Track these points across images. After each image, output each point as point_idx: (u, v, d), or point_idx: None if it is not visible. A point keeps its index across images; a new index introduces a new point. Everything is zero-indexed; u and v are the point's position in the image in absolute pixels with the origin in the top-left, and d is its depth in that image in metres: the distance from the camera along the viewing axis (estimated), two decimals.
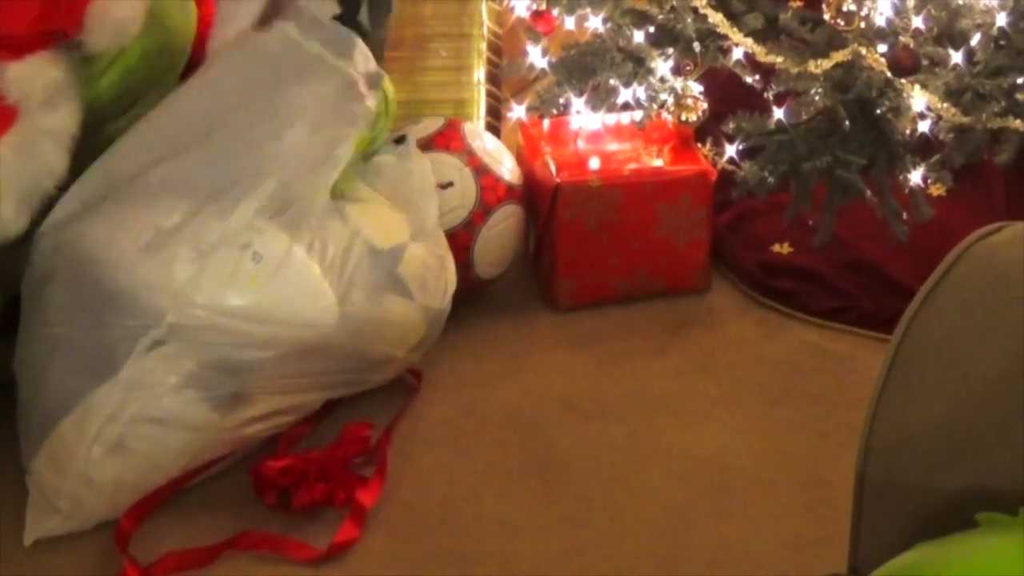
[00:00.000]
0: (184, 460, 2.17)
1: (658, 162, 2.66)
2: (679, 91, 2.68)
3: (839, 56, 2.58)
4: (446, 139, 2.57)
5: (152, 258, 2.10)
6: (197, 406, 2.14)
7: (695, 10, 2.67)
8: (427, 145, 2.54)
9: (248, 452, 2.23)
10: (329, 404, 2.34)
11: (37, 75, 2.13)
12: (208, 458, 2.20)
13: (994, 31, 2.63)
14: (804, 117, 2.60)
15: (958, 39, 2.66)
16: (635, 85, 2.71)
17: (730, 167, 2.71)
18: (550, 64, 2.78)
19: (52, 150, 2.14)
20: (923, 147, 2.62)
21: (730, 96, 2.78)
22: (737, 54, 2.68)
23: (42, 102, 2.13)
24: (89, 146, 2.23)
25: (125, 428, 2.09)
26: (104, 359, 2.10)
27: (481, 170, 2.55)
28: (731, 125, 2.66)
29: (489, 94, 2.85)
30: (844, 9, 2.56)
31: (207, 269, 2.10)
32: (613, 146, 2.70)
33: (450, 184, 2.53)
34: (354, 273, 2.23)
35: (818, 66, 2.58)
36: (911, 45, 2.61)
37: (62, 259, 2.16)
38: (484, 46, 2.80)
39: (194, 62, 2.41)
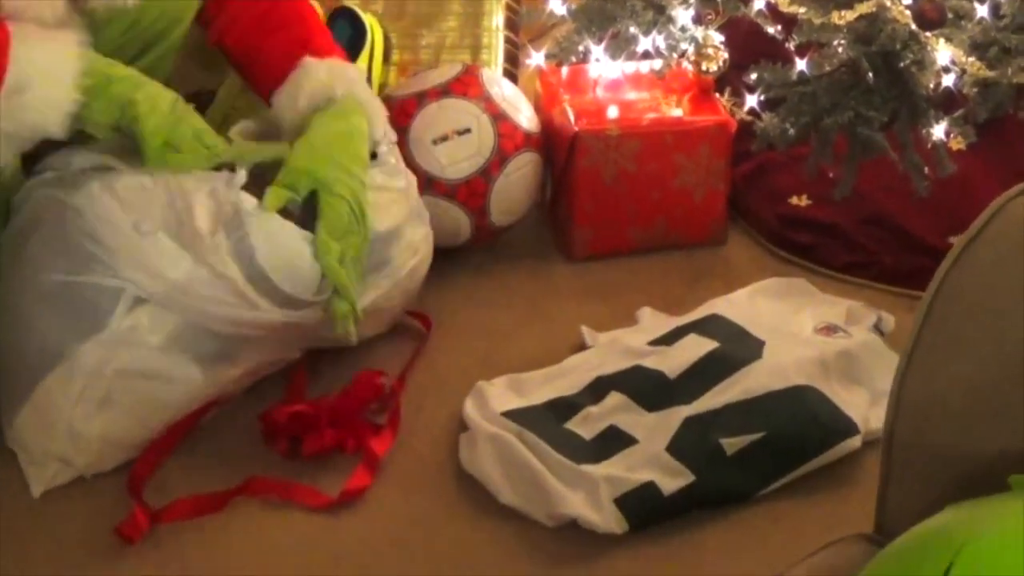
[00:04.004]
0: (169, 414, 2.16)
1: (677, 112, 2.63)
2: (700, 40, 2.66)
3: (863, 7, 2.55)
4: (464, 85, 2.54)
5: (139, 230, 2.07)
6: (182, 363, 2.11)
7: None
8: (444, 91, 2.52)
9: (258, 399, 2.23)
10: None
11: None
12: (194, 408, 2.18)
13: None
14: (827, 69, 2.58)
15: None
16: (655, 33, 2.68)
17: (749, 118, 2.68)
18: (569, 11, 2.75)
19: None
20: (946, 101, 2.59)
21: (751, 46, 2.76)
22: (759, 3, 2.66)
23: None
24: None
25: (110, 383, 2.07)
26: (88, 315, 2.06)
27: (499, 117, 2.53)
28: (752, 75, 2.64)
29: (507, 40, 2.83)
30: None
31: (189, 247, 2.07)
32: (632, 95, 2.67)
33: (467, 131, 2.50)
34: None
35: (842, 17, 2.55)
36: None
37: (54, 211, 2.09)
38: None
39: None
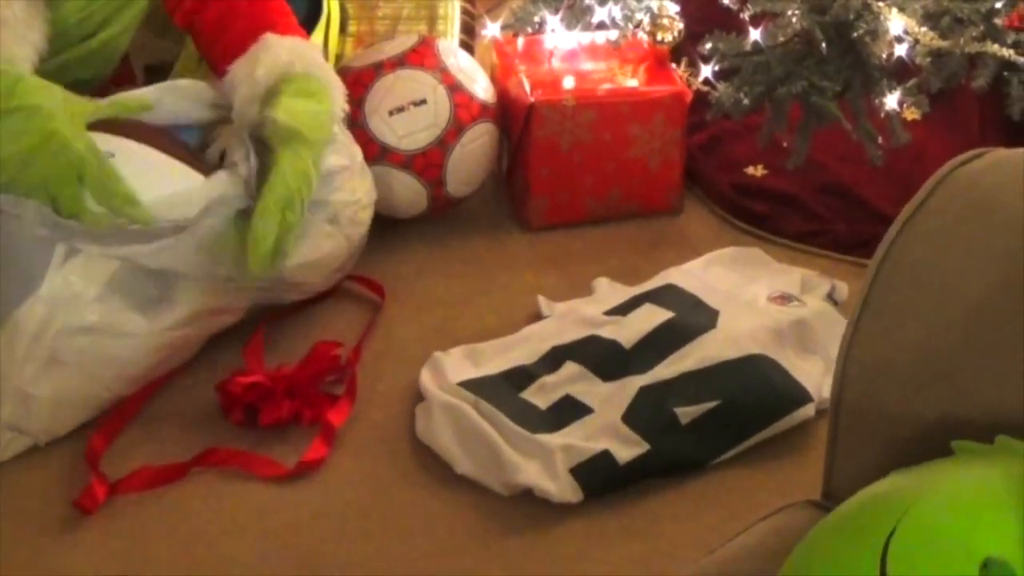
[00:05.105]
0: (119, 369, 2.16)
1: (633, 82, 2.63)
2: (655, 10, 2.66)
3: None
4: (420, 56, 2.54)
5: None
6: (123, 312, 2.12)
7: None
8: (400, 62, 2.52)
9: (210, 366, 2.22)
10: (289, 310, 2.37)
11: None
12: (146, 364, 2.19)
13: None
14: (781, 39, 2.58)
15: None
16: (611, 4, 2.68)
17: (705, 88, 2.69)
18: None
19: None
20: (900, 71, 2.60)
21: (706, 16, 2.76)
22: None
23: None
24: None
25: (55, 342, 2.07)
26: (24, 275, 2.06)
27: (455, 88, 2.53)
28: (707, 46, 2.64)
29: (463, 11, 2.82)
30: None
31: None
32: (588, 65, 2.67)
33: (423, 102, 2.50)
34: None
35: None
36: None
37: None
38: None
39: None
